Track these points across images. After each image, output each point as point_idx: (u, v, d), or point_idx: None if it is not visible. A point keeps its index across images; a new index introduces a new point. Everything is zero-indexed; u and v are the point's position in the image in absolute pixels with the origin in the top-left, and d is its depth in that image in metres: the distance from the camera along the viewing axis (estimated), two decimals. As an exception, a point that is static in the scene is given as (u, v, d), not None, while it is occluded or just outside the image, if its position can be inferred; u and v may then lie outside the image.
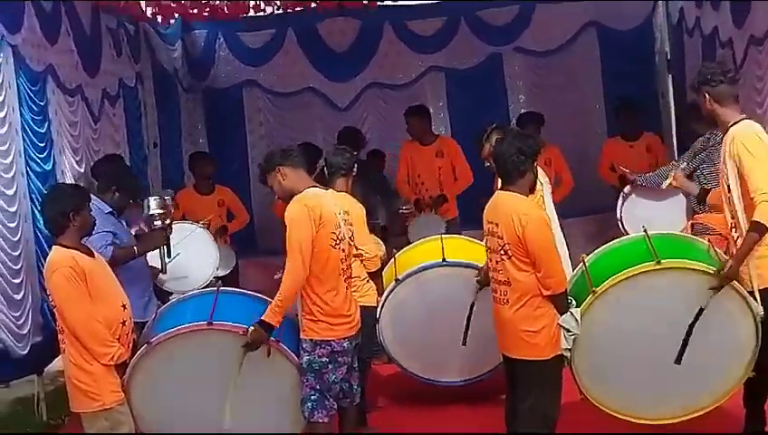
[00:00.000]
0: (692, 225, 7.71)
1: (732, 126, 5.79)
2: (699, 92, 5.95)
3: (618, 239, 6.31)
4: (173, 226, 7.18)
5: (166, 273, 7.22)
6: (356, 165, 7.15)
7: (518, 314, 5.62)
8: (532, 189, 5.92)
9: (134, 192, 7.21)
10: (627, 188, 8.85)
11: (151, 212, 6.96)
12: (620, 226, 8.68)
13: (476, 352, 7.17)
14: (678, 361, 5.68)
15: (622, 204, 8.82)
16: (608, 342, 5.78)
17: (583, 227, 10.81)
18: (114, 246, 6.61)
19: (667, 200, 8.49)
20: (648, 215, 8.17)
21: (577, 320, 5.59)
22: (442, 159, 10.12)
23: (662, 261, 5.67)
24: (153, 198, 7.05)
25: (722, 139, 5.93)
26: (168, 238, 7.04)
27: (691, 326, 5.63)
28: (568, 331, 5.58)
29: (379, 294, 7.21)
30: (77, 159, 8.56)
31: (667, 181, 7.69)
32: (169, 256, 7.11)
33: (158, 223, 6.96)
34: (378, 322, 7.25)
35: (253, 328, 5.69)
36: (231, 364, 5.82)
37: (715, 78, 5.87)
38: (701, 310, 5.62)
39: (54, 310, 5.72)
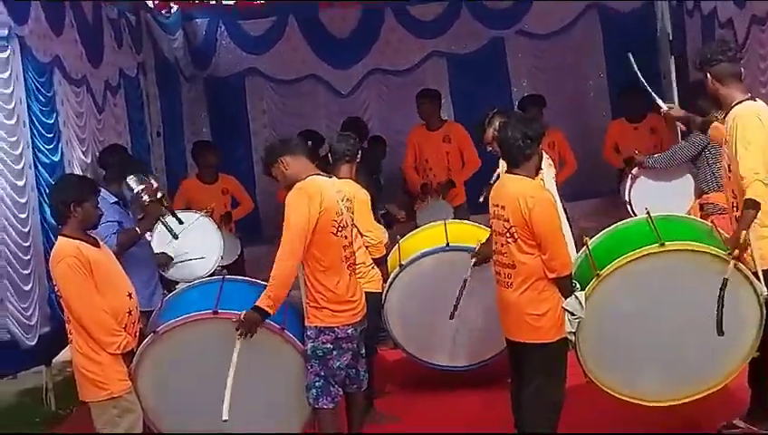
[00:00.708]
0: (701, 205, 7.72)
1: (735, 105, 5.80)
2: (702, 72, 5.95)
3: (620, 222, 6.31)
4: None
5: (178, 238, 7.26)
6: (360, 151, 7.17)
7: (523, 298, 5.63)
8: (537, 172, 5.94)
9: None
10: (635, 170, 8.82)
11: (135, 191, 6.91)
12: (629, 208, 8.65)
13: (481, 336, 7.22)
14: (720, 332, 5.59)
15: (630, 186, 8.80)
16: (612, 324, 5.79)
17: (587, 209, 10.84)
18: (117, 233, 6.64)
19: (675, 181, 8.48)
20: (656, 196, 8.16)
21: (581, 303, 5.59)
22: (450, 145, 10.12)
23: (665, 243, 5.67)
24: (129, 178, 6.94)
25: (725, 118, 5.94)
26: (168, 207, 7.07)
27: (721, 297, 5.56)
28: (572, 314, 5.59)
29: (384, 281, 7.22)
30: (83, 149, 8.58)
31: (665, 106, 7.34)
32: (180, 222, 7.14)
33: (146, 198, 6.90)
34: (383, 308, 7.27)
35: (245, 312, 5.68)
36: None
37: (715, 57, 5.88)
38: (725, 281, 5.57)
39: (61, 300, 5.75)
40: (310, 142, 7.15)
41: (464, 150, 10.10)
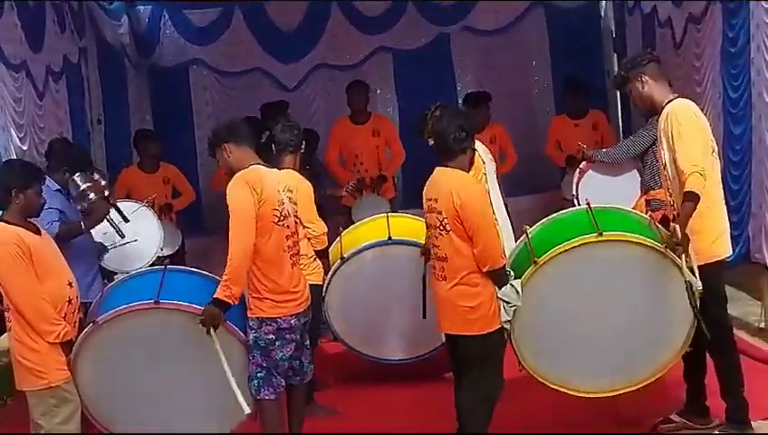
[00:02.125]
0: (647, 201, 7.81)
1: (666, 104, 5.91)
2: (633, 81, 6.05)
3: (560, 211, 6.36)
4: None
5: (125, 237, 7.17)
6: (304, 142, 7.16)
7: (455, 291, 5.64)
8: (470, 165, 5.96)
9: (83, 169, 7.06)
10: (583, 164, 8.87)
11: (81, 188, 6.85)
12: (575, 201, 8.67)
13: (422, 330, 7.20)
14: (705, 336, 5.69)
15: (579, 179, 8.83)
16: (548, 313, 5.84)
17: (529, 205, 10.89)
18: (60, 222, 6.55)
19: (623, 177, 8.53)
20: (603, 190, 8.21)
21: (518, 291, 5.63)
22: (379, 138, 10.14)
23: (603, 233, 5.74)
24: (76, 175, 6.90)
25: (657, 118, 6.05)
26: (114, 205, 6.98)
27: (694, 307, 5.67)
28: (508, 302, 5.62)
29: (326, 273, 7.21)
30: (21, 136, 8.45)
31: None
32: (125, 220, 7.04)
33: (92, 195, 6.85)
34: (324, 300, 7.26)
35: (205, 308, 5.66)
36: (178, 342, 5.81)
37: (644, 58, 6.06)
38: (689, 284, 5.63)
39: (-1, 287, 5.67)
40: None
41: (391, 144, 10.16)
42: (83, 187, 6.84)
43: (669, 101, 5.93)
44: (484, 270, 5.60)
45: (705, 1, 8.66)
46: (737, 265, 8.01)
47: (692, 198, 5.62)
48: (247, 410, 5.71)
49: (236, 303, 5.70)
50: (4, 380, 6.77)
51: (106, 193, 6.95)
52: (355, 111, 10.17)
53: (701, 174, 5.64)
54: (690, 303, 5.65)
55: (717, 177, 6.03)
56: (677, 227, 5.62)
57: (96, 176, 7.09)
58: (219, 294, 5.64)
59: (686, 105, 5.93)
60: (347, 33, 12.31)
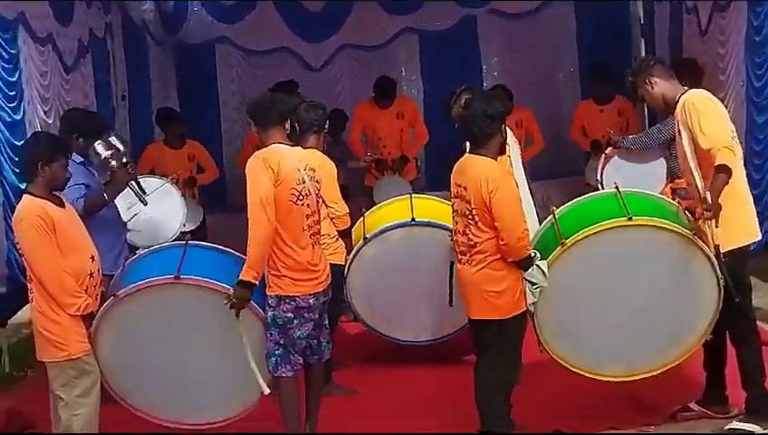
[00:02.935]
0: (673, 189, 7.77)
1: (680, 97, 5.91)
2: (642, 85, 6.07)
3: (589, 194, 6.33)
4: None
5: (147, 204, 7.16)
6: (328, 122, 7.15)
7: (481, 275, 5.63)
8: (501, 151, 5.93)
9: (98, 135, 6.91)
10: (609, 150, 8.81)
11: (103, 156, 6.78)
12: (600, 186, 8.57)
13: (442, 312, 7.21)
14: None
15: (604, 165, 8.77)
16: (572, 295, 5.81)
17: (552, 190, 10.88)
18: (85, 198, 6.55)
19: (649, 164, 8.47)
20: (628, 177, 8.15)
21: (544, 273, 5.61)
22: (403, 121, 10.19)
23: (633, 217, 5.71)
24: (97, 142, 6.80)
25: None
26: (134, 175, 6.95)
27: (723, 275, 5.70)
28: (534, 284, 5.61)
29: (349, 253, 7.21)
30: (46, 109, 8.47)
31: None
32: (143, 191, 7.02)
33: (114, 163, 6.78)
34: (345, 280, 7.26)
35: (234, 290, 5.67)
36: (197, 317, 5.83)
37: (647, 61, 6.22)
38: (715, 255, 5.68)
39: (22, 259, 5.69)
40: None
41: (414, 125, 10.17)
42: (105, 155, 6.76)
43: (682, 94, 5.92)
44: (509, 260, 5.60)
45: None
46: (758, 255, 7.96)
47: (724, 170, 5.59)
48: (266, 390, 5.74)
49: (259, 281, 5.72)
50: (26, 351, 6.81)
51: (124, 160, 6.88)
52: (383, 105, 10.18)
53: (730, 149, 5.62)
54: (720, 271, 5.66)
55: (741, 163, 5.98)
56: (709, 195, 5.58)
57: (116, 141, 6.97)
58: (246, 276, 5.65)
59: (701, 92, 5.95)
60: (373, 13, 12.28)
